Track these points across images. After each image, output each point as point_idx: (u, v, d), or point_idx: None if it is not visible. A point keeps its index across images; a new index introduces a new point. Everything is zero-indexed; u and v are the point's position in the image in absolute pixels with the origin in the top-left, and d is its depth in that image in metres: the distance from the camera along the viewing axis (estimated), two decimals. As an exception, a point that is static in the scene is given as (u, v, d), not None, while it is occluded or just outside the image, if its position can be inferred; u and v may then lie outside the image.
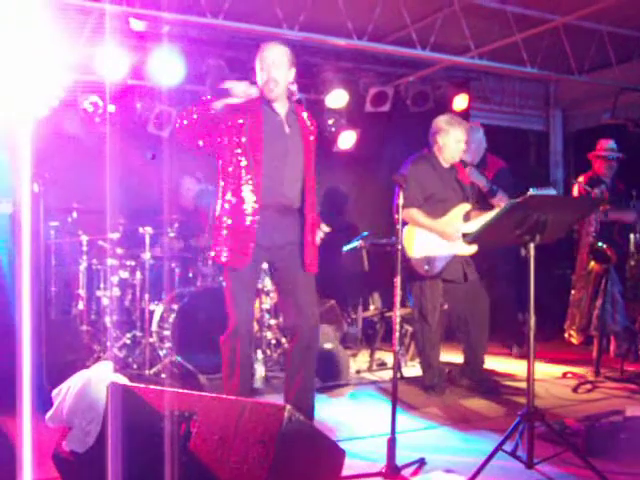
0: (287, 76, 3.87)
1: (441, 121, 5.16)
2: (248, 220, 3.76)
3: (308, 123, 4.02)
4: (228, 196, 3.82)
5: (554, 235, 3.55)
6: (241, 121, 3.78)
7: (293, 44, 7.27)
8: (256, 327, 6.05)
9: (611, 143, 6.48)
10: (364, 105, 8.13)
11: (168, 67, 6.93)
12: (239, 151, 3.78)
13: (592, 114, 8.92)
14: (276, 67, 3.81)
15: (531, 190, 4.83)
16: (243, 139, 3.77)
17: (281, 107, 3.91)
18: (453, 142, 5.09)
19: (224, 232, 3.81)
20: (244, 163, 3.77)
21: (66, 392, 2.77)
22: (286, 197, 3.88)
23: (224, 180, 3.86)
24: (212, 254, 3.93)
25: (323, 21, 6.71)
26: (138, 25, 7.01)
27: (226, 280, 3.92)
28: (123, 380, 2.80)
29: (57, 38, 6.01)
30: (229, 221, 3.80)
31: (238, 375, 3.84)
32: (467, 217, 5.09)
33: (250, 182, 3.76)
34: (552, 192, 5.00)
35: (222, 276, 4.00)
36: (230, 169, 3.81)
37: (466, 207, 5.11)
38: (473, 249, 5.02)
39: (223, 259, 3.82)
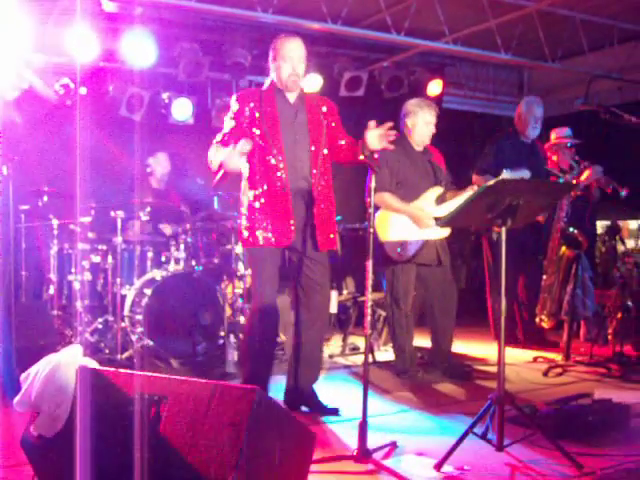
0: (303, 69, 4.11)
1: (410, 104, 5.20)
2: (283, 202, 3.93)
3: (324, 109, 4.15)
4: (259, 182, 3.96)
5: (526, 219, 3.57)
6: (257, 115, 3.95)
7: (267, 27, 7.31)
8: (229, 312, 6.05)
9: (567, 130, 6.44)
10: (339, 89, 8.10)
11: (141, 49, 6.87)
12: (261, 142, 3.93)
13: (565, 101, 8.96)
14: (300, 62, 4.01)
15: (504, 171, 4.87)
16: (263, 129, 3.93)
17: (292, 95, 4.09)
18: (422, 124, 5.12)
19: (262, 213, 3.94)
20: (268, 151, 3.93)
21: (34, 376, 2.73)
22: (302, 181, 4.03)
23: (251, 167, 3.99)
24: (245, 234, 4.00)
25: (297, 4, 6.68)
26: (110, 6, 6.92)
27: (256, 262, 4.06)
28: (93, 364, 2.77)
29: (27, 19, 5.91)
30: (266, 202, 3.94)
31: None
32: (442, 199, 5.08)
33: (277, 168, 3.92)
34: (526, 174, 5.03)
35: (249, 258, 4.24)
36: (255, 157, 3.95)
37: (438, 190, 5.10)
38: (446, 233, 5.03)
39: (262, 240, 3.94)
